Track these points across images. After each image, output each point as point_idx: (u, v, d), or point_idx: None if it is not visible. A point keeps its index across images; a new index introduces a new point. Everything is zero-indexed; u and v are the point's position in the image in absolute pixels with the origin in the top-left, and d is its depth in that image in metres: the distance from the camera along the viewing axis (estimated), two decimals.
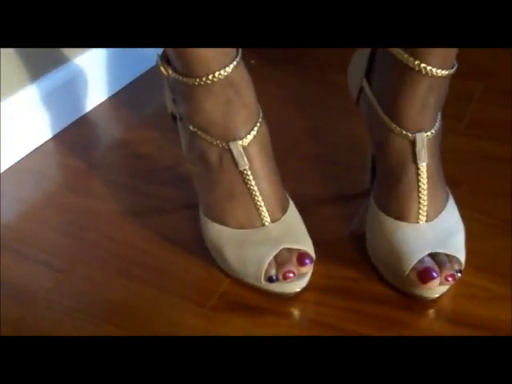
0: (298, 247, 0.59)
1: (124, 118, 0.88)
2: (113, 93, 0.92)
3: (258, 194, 0.61)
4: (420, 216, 0.59)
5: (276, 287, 0.59)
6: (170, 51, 0.59)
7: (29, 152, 0.81)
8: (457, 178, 0.70)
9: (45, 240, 0.68)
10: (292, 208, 0.63)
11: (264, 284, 0.59)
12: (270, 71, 0.95)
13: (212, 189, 0.62)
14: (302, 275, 0.59)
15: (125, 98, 0.92)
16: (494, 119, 0.82)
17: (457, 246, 0.59)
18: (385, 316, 0.58)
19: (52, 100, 0.82)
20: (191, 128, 0.61)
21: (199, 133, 0.61)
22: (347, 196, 0.71)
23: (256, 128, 0.61)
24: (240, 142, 0.60)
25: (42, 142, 0.83)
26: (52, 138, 0.84)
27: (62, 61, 0.84)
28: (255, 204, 0.61)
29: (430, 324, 0.57)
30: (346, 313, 0.58)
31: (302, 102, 0.88)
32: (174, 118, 0.65)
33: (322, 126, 0.83)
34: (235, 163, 0.60)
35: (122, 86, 0.93)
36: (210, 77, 0.57)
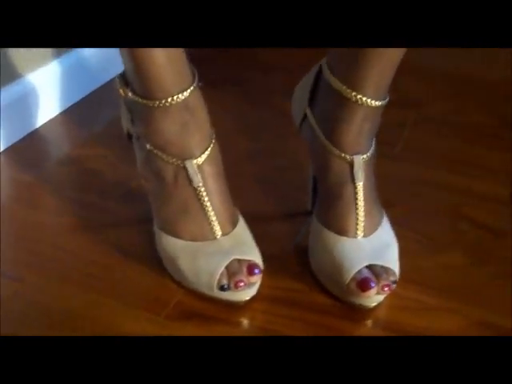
0: (248, 258, 0.63)
1: (75, 134, 0.91)
2: (64, 109, 0.94)
3: (210, 209, 0.65)
4: (358, 231, 0.65)
5: (227, 295, 0.63)
6: (131, 73, 0.63)
7: None
8: (390, 200, 0.75)
9: None
10: (241, 222, 0.68)
11: (216, 292, 0.63)
12: (218, 93, 0.99)
13: (167, 204, 0.66)
14: (251, 284, 0.63)
15: (76, 115, 0.94)
16: (426, 146, 0.89)
17: (392, 259, 0.65)
18: (328, 324, 0.62)
19: (4, 115, 0.84)
20: (148, 147, 0.65)
21: (155, 151, 0.65)
22: (291, 213, 0.76)
23: (210, 148, 0.65)
24: (195, 161, 0.64)
25: None
26: (3, 152, 0.85)
27: (15, 76, 0.86)
28: (208, 218, 0.65)
29: (368, 332, 0.62)
30: (292, 321, 0.63)
31: (249, 124, 0.93)
32: (129, 136, 0.69)
33: (267, 148, 0.88)
34: (189, 180, 0.64)
35: (73, 103, 0.96)
36: (169, 100, 0.62)
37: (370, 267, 0.63)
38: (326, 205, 0.67)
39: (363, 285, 0.61)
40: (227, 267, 0.63)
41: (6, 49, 0.84)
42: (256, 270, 0.63)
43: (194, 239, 0.65)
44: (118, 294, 0.65)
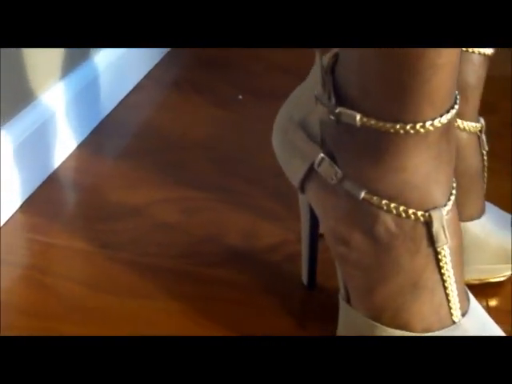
0: None
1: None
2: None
3: (452, 281, 0.46)
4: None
5: None
6: (373, 88, 0.44)
7: None
8: None
9: None
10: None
11: None
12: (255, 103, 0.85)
13: (387, 279, 0.46)
14: None
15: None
16: None
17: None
18: None
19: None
20: (363, 194, 0.46)
21: (375, 200, 0.46)
22: None
23: (454, 192, 0.47)
24: (444, 211, 0.46)
25: None
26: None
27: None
28: (448, 295, 0.46)
29: None
30: None
31: None
32: (302, 187, 0.51)
33: None
34: (431, 240, 0.46)
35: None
36: (429, 124, 0.43)
37: None
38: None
39: None
40: None
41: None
42: None
43: (428, 329, 0.46)
44: None
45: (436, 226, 0.45)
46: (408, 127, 0.43)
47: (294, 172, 0.52)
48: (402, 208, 0.45)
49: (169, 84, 0.94)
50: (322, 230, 0.51)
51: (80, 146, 0.79)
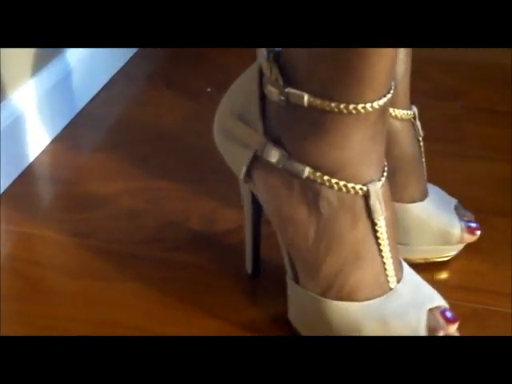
0: (437, 304, 0.52)
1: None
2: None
3: (387, 249, 0.51)
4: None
5: None
6: (324, 72, 0.47)
7: None
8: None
9: None
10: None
11: None
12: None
13: (332, 253, 0.51)
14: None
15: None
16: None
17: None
18: None
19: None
20: (307, 171, 0.50)
21: (318, 176, 0.50)
22: None
23: (385, 168, 0.52)
24: (379, 185, 0.50)
25: None
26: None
27: None
28: (384, 263, 0.51)
29: None
30: None
31: None
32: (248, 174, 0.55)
33: None
34: (368, 212, 0.50)
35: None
36: (369, 106, 0.47)
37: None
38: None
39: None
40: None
41: None
42: (453, 317, 0.51)
43: (369, 297, 0.51)
44: None
45: (373, 199, 0.50)
46: (351, 107, 0.47)
47: (238, 162, 0.55)
48: (342, 183, 0.50)
49: (141, 79, 0.98)
50: (267, 214, 0.55)
51: (54, 141, 0.83)
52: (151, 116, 0.89)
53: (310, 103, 0.48)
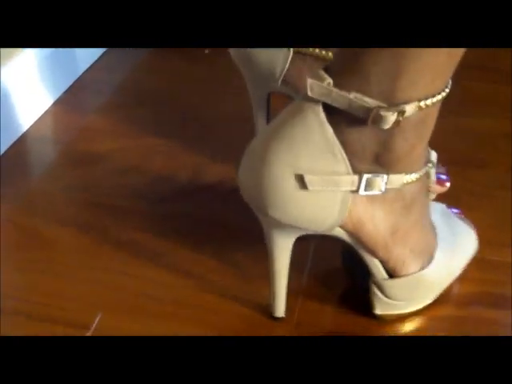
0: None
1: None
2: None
3: None
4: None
5: None
6: (383, 74, 0.46)
7: None
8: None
9: None
10: None
11: None
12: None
13: (419, 229, 0.55)
14: None
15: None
16: None
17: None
18: None
19: None
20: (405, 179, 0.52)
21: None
22: None
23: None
24: (430, 165, 0.55)
25: None
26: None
27: None
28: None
29: None
30: None
31: None
32: None
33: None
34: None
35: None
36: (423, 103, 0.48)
37: None
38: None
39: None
40: None
41: None
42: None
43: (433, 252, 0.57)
44: None
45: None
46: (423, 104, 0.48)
47: (329, 209, 0.51)
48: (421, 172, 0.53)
49: None
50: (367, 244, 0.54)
51: (56, 103, 0.87)
52: (150, 80, 0.92)
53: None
